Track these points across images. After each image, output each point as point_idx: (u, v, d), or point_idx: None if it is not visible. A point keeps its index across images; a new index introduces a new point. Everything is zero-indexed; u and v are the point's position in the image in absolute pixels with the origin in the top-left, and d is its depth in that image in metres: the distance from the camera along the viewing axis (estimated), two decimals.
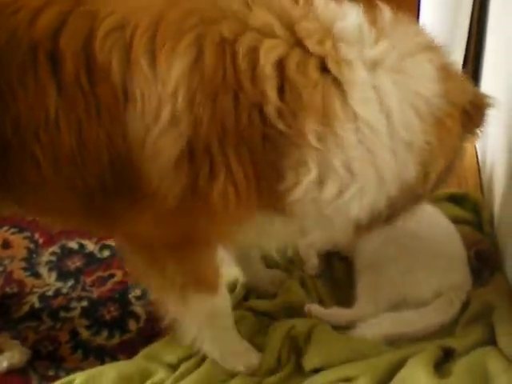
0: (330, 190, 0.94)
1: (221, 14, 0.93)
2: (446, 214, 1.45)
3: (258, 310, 1.33)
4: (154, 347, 1.28)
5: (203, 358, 1.24)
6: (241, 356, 1.23)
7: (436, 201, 1.55)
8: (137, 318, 1.40)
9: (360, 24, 0.93)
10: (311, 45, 0.91)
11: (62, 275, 1.50)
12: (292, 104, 0.89)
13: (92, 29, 0.93)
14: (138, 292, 1.45)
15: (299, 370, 1.23)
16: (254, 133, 0.91)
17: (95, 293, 1.46)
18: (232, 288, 1.39)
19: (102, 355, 1.33)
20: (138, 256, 1.09)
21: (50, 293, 1.47)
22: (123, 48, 0.92)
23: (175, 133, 0.91)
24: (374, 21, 0.95)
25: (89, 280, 1.49)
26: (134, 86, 0.91)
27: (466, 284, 1.31)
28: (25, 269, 1.52)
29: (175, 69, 0.90)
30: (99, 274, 1.50)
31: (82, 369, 1.29)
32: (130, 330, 1.37)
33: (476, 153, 1.80)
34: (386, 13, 0.96)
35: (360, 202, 0.96)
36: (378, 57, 0.92)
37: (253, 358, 1.23)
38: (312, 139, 0.90)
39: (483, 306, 1.25)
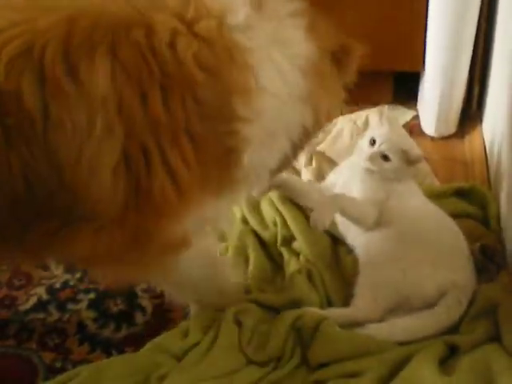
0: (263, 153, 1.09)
1: (130, 15, 0.96)
2: (451, 209, 1.45)
3: (263, 304, 1.32)
4: (161, 339, 1.28)
5: (208, 348, 1.24)
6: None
7: (442, 195, 1.56)
8: (143, 310, 1.41)
9: (248, 15, 1.02)
10: (216, 39, 0.98)
11: (70, 267, 1.50)
12: (218, 82, 0.97)
13: None
14: (144, 285, 1.45)
15: (305, 365, 1.23)
16: (191, 118, 0.96)
17: (102, 285, 1.46)
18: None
19: (109, 348, 1.34)
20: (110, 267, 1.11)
21: (58, 285, 1.48)
22: (34, 71, 0.89)
23: (111, 141, 0.92)
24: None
25: None
26: (57, 107, 0.90)
27: (471, 281, 1.29)
28: None
29: (100, 78, 0.91)
30: None
31: (88, 361, 1.30)
32: (136, 322, 1.38)
33: (484, 146, 1.79)
34: None
35: (276, 154, 1.13)
36: (270, 37, 1.03)
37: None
38: (240, 111, 0.99)
39: (488, 302, 1.24)
